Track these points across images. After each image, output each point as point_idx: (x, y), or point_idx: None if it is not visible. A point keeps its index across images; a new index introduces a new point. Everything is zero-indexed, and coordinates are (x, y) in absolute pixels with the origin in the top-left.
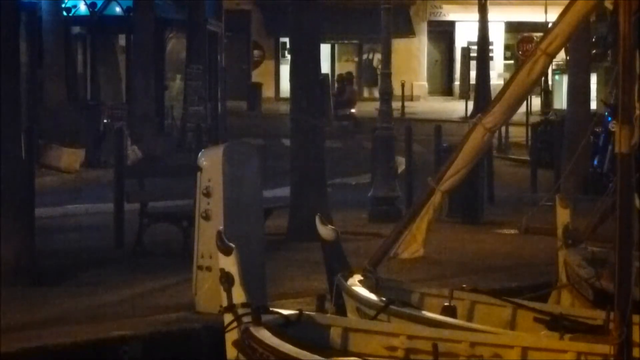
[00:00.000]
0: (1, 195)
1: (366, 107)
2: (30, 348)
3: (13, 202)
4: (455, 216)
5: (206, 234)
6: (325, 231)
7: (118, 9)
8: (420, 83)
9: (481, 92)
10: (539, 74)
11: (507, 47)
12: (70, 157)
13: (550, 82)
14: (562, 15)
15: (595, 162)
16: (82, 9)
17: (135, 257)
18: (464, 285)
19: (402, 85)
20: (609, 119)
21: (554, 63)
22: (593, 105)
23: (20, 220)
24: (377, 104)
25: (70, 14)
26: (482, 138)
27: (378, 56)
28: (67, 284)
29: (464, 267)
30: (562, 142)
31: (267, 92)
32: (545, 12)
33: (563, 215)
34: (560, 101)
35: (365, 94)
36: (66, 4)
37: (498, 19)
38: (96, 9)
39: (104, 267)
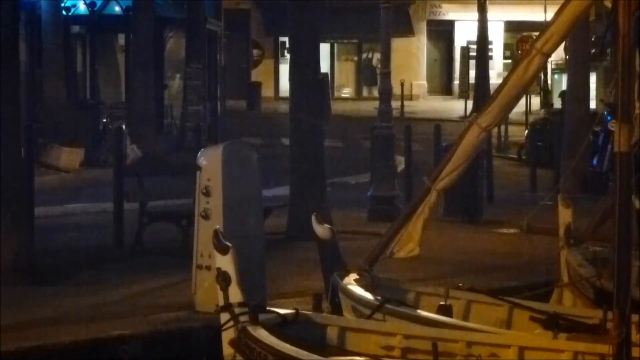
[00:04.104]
0: (1, 194)
1: (366, 106)
2: (30, 347)
3: (13, 202)
4: (455, 215)
5: (205, 233)
6: (321, 230)
7: (117, 8)
8: (420, 82)
9: (480, 92)
10: (535, 73)
11: (506, 47)
12: (70, 157)
13: (549, 82)
14: (557, 15)
15: (595, 161)
16: (82, 8)
17: (135, 256)
18: (460, 284)
19: (402, 85)
20: (609, 118)
21: (553, 62)
22: (592, 104)
23: (19, 219)
24: (376, 103)
25: (70, 14)
26: (478, 137)
27: (377, 55)
28: (67, 283)
29: (463, 266)
30: (561, 141)
31: (267, 91)
32: (545, 11)
33: (565, 215)
34: (560, 100)
35: (365, 93)
36: (65, 3)
37: (497, 18)
38: (95, 8)
39: (104, 267)
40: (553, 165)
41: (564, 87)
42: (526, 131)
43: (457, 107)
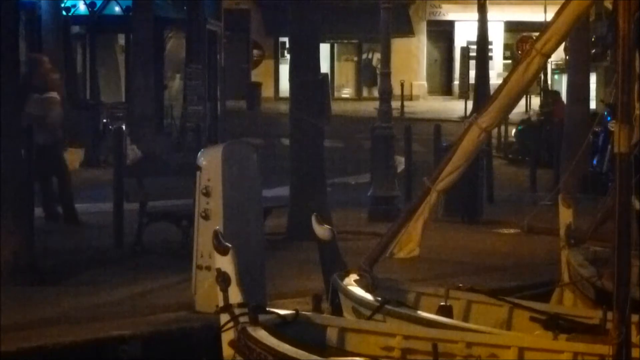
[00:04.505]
0: (1, 194)
1: (366, 106)
2: (30, 348)
3: (13, 202)
4: (455, 216)
5: (206, 233)
6: (321, 231)
7: (117, 9)
8: (420, 82)
9: (480, 92)
10: (534, 73)
11: (506, 47)
12: (70, 157)
13: (549, 82)
14: (557, 15)
15: (595, 162)
16: (82, 8)
17: (135, 257)
18: (460, 285)
19: (402, 85)
20: (609, 118)
21: (553, 63)
22: (592, 104)
23: (19, 219)
24: (376, 104)
25: (70, 14)
26: (478, 138)
27: (377, 56)
28: (67, 283)
29: (463, 267)
30: (560, 141)
31: (267, 91)
32: (545, 11)
33: (565, 215)
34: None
35: (365, 93)
36: (65, 3)
37: (497, 18)
38: (95, 9)
39: (104, 267)
40: (543, 165)
41: (564, 87)
42: (514, 130)
43: (457, 107)
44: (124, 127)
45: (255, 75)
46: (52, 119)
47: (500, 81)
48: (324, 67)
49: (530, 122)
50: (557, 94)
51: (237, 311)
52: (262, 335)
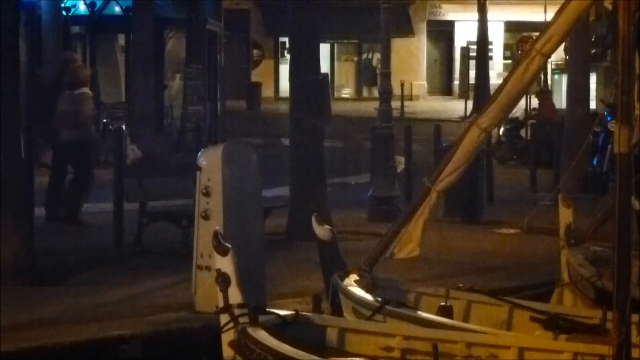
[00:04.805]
0: (1, 194)
1: (366, 106)
2: (30, 347)
3: (13, 202)
4: (455, 216)
5: (205, 233)
6: (321, 231)
7: (117, 9)
8: (420, 83)
9: (480, 92)
10: (534, 74)
11: (506, 47)
12: None
13: (549, 82)
14: (557, 15)
15: (595, 162)
16: (82, 8)
17: (135, 257)
18: (461, 285)
19: (402, 85)
20: (609, 118)
21: (553, 63)
22: (592, 104)
23: (19, 219)
24: (376, 104)
25: (70, 14)
26: (478, 138)
27: (377, 56)
28: (67, 283)
29: (463, 267)
30: (561, 142)
31: (267, 91)
32: (545, 11)
33: (565, 215)
34: (560, 101)
35: (365, 93)
36: (65, 3)
37: (497, 18)
38: (95, 9)
39: (104, 267)
40: (543, 165)
41: (564, 87)
42: (502, 129)
43: (457, 107)
44: (124, 127)
45: (255, 75)
46: (84, 114)
47: (500, 81)
48: (324, 67)
49: (517, 122)
50: (545, 93)
51: (237, 312)
52: (262, 335)
